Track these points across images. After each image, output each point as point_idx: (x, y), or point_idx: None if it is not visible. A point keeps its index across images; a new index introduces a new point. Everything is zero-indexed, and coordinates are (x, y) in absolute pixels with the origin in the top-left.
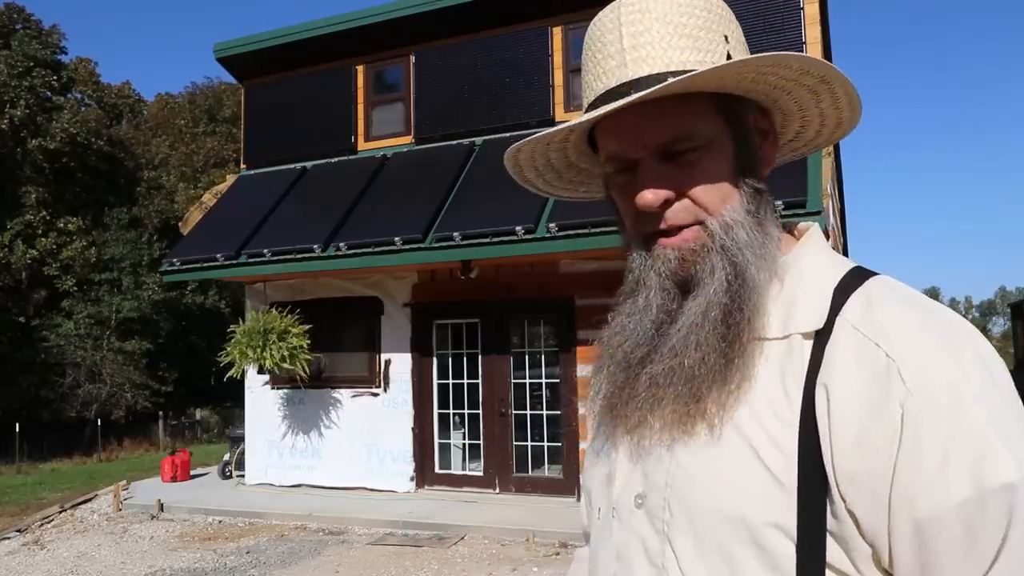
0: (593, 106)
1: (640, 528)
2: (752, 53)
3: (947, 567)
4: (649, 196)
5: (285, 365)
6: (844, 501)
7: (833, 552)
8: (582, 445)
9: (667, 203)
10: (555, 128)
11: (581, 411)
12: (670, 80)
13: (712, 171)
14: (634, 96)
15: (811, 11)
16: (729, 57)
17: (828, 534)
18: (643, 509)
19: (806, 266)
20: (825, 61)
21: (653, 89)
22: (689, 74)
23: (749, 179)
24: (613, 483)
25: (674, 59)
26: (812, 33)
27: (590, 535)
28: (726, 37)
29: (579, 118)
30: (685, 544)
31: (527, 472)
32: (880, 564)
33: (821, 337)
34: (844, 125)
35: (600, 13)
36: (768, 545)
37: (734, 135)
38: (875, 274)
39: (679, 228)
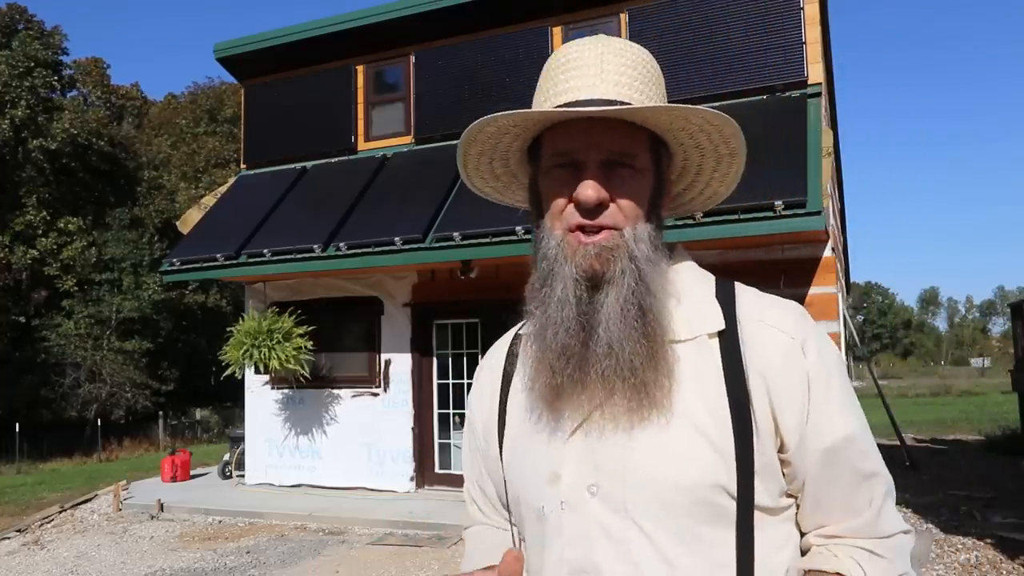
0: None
1: (597, 514)
2: (747, 53)
3: (838, 472)
4: (591, 193)
5: (285, 365)
6: (788, 450)
7: (759, 495)
8: None
9: (600, 205)
10: (523, 111)
11: None
12: (634, 105)
13: (637, 192)
14: (620, 108)
15: (811, 11)
16: None
17: (756, 481)
18: (597, 497)
19: (685, 282)
20: (742, 139)
21: (639, 107)
22: (659, 106)
23: (655, 212)
24: (559, 481)
25: (636, 96)
26: (812, 33)
27: (523, 538)
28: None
29: (545, 109)
30: (645, 517)
31: None
32: (787, 491)
33: (728, 333)
34: (714, 199)
35: (577, 42)
36: (716, 501)
37: (656, 173)
38: (732, 281)
39: (599, 228)
